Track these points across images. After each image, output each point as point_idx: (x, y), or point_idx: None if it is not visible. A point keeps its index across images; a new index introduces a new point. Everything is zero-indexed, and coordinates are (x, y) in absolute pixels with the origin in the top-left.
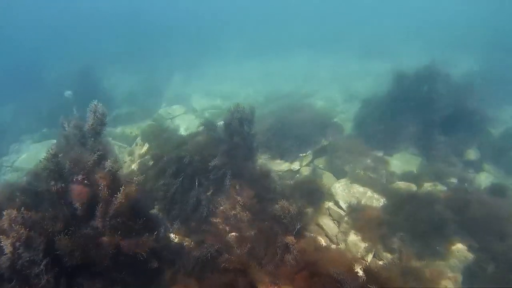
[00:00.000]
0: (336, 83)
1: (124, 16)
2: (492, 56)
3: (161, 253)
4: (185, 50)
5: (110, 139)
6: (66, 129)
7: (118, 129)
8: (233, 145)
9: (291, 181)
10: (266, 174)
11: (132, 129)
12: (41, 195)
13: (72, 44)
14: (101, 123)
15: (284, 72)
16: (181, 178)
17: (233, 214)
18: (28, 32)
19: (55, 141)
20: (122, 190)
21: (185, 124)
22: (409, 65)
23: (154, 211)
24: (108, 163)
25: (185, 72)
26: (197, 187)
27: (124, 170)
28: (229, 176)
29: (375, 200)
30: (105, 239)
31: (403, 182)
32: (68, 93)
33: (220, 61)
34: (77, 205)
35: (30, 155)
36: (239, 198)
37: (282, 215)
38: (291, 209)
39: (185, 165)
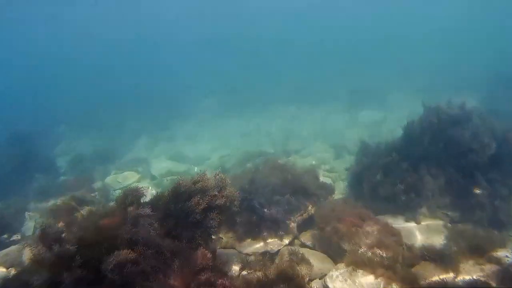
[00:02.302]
0: (322, 139)
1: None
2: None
3: None
4: (155, 110)
5: (38, 217)
6: None
7: (51, 203)
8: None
9: (261, 273)
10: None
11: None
12: None
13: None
14: None
15: (263, 130)
16: None
17: None
18: None
19: None
20: None
21: None
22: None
23: None
24: None
25: (153, 135)
26: None
27: None
28: None
29: None
30: None
31: (431, 262)
32: None
33: (192, 122)
34: None
35: None
36: None
37: None
38: None
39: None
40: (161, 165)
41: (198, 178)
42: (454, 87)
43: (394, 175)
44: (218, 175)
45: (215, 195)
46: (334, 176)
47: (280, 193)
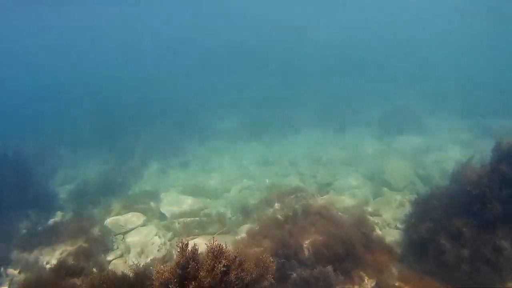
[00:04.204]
0: (356, 169)
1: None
2: None
3: None
4: (168, 132)
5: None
6: None
7: (32, 255)
8: None
9: None
10: None
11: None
12: None
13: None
14: None
15: (287, 158)
16: None
17: None
18: None
19: None
20: None
21: (139, 244)
22: None
23: None
24: None
25: (165, 160)
26: None
27: None
28: None
29: None
30: None
31: None
32: None
33: (208, 146)
34: None
35: None
36: None
37: None
38: None
39: None
40: (172, 202)
41: None
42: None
43: (460, 239)
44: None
45: None
46: (381, 221)
47: (324, 257)
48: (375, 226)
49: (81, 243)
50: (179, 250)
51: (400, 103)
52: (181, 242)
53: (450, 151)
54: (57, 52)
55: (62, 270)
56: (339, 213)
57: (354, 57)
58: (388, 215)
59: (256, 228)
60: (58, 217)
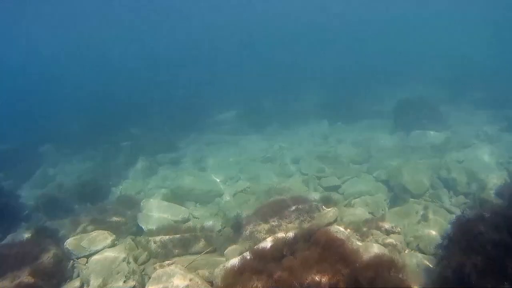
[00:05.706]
0: (368, 169)
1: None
2: None
3: None
4: (160, 125)
5: None
6: None
7: None
8: None
9: None
10: None
11: None
12: None
13: None
14: None
15: (290, 154)
16: None
17: None
18: None
19: None
20: None
21: (102, 273)
22: None
23: None
24: None
25: (153, 157)
26: None
27: None
28: None
29: None
30: None
31: None
32: None
33: (203, 140)
34: None
35: None
36: None
37: None
38: None
39: None
40: (153, 210)
41: None
42: None
43: None
44: None
45: None
46: (399, 241)
47: None
48: (392, 245)
49: (24, 276)
50: None
51: (416, 93)
52: None
53: (476, 148)
54: (47, 47)
55: None
56: (352, 241)
57: (366, 39)
58: (406, 230)
59: (248, 258)
60: (19, 231)
